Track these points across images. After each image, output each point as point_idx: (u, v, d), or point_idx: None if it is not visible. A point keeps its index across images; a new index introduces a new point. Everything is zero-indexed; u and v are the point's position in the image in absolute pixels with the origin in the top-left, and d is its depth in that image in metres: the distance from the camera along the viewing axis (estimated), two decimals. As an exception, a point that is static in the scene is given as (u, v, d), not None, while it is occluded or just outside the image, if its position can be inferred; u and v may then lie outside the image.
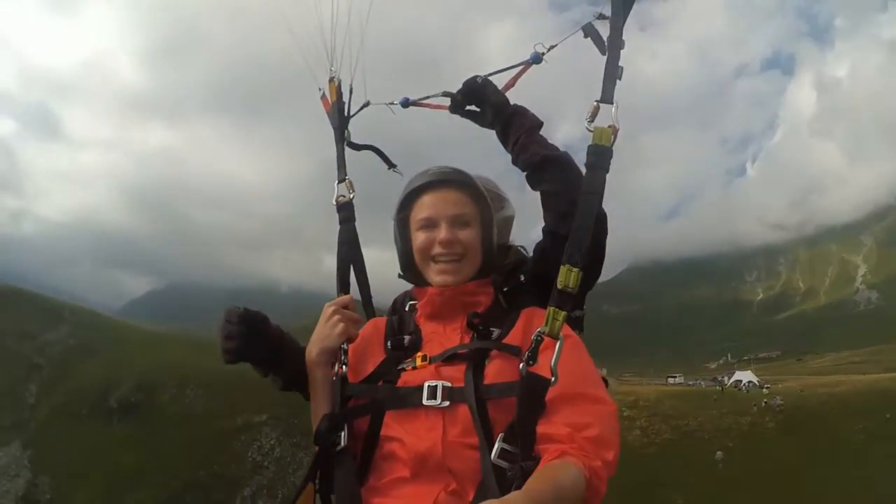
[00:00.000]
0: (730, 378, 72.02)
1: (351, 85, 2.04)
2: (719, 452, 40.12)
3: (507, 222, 2.09)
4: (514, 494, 1.14)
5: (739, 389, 57.58)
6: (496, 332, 1.59)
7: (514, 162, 1.81)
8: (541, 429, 1.35)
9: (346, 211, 1.93)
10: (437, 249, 1.64)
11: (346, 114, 2.04)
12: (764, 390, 55.75)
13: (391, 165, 2.08)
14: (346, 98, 2.06)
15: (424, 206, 1.68)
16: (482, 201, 1.72)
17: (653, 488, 37.05)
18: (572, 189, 1.56)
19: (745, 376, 68.34)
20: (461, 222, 1.65)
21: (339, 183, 1.96)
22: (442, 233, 1.63)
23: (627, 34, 1.54)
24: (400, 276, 1.81)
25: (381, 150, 2.10)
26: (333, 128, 2.03)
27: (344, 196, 1.94)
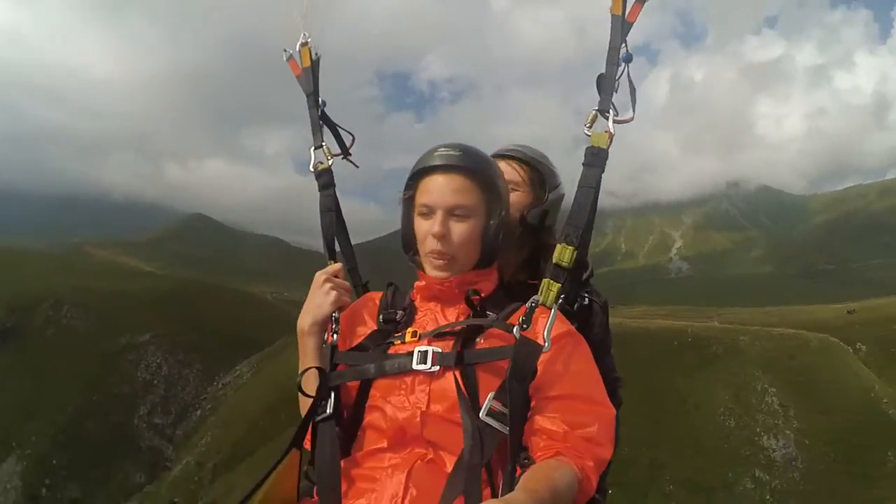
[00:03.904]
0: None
1: (318, 52, 1.96)
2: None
3: (559, 202, 2.02)
4: (513, 494, 1.15)
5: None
6: (493, 314, 1.56)
7: None
8: (538, 421, 1.39)
9: (325, 178, 1.87)
10: (429, 243, 1.57)
11: (317, 80, 1.95)
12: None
13: (346, 154, 1.98)
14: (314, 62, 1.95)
15: (426, 191, 1.59)
16: (491, 189, 1.60)
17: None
18: None
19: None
20: (459, 214, 1.56)
21: (315, 149, 1.89)
22: (435, 225, 1.55)
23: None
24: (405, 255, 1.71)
25: (353, 134, 1.97)
26: (306, 94, 1.93)
27: (322, 162, 1.88)
